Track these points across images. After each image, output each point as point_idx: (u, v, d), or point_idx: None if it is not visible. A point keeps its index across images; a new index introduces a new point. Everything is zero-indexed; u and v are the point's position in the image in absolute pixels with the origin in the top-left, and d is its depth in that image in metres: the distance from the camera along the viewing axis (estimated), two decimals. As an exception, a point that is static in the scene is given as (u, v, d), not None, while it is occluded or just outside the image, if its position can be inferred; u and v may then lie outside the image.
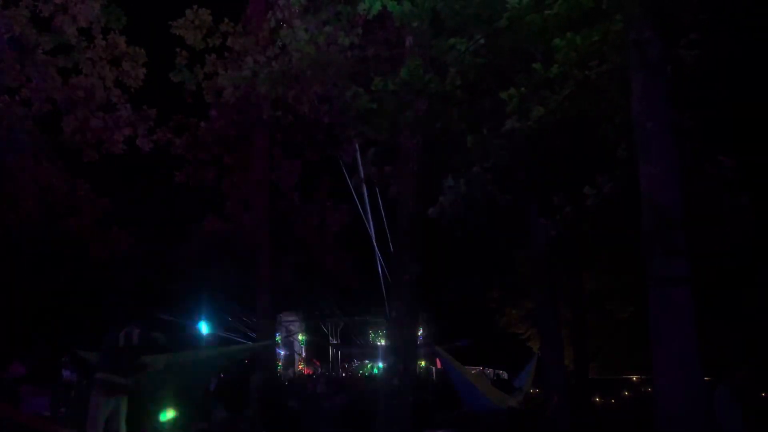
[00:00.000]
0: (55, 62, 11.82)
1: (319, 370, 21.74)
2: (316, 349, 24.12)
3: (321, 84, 9.61)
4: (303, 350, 23.56)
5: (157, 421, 7.69)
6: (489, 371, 21.01)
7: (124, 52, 12.32)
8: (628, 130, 6.11)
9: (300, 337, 23.16)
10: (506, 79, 7.18)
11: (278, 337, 18.49)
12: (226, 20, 12.57)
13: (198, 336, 16.11)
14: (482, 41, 6.85)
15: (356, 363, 25.30)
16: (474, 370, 17.20)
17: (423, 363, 17.36)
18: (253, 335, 14.09)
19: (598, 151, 7.67)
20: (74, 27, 11.48)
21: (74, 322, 16.33)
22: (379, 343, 23.20)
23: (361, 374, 22.21)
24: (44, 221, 13.97)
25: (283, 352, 22.20)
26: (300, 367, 22.62)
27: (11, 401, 9.11)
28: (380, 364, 17.81)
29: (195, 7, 12.35)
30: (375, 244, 12.14)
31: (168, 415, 7.72)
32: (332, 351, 24.87)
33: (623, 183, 6.89)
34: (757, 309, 14.35)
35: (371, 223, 12.22)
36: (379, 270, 12.04)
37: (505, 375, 19.54)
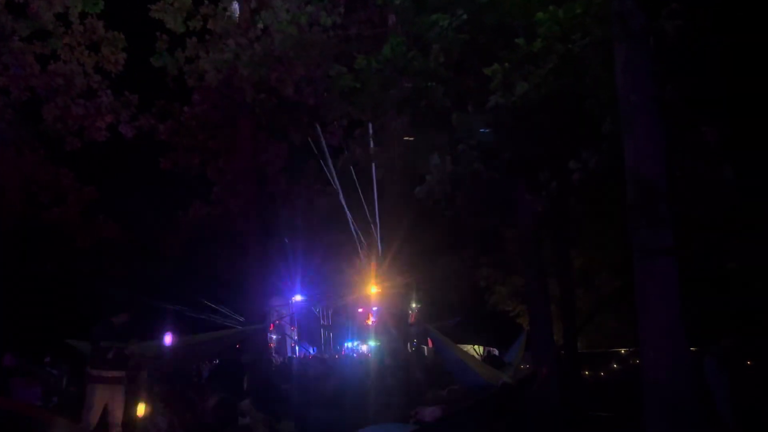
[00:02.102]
0: (32, 49, 11.62)
1: (311, 353, 21.81)
2: (308, 332, 24.20)
3: (304, 65, 9.53)
4: (294, 333, 23.60)
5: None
6: (479, 348, 21.17)
7: (103, 37, 12.15)
8: (612, 105, 6.11)
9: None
10: (490, 55, 7.15)
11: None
12: (206, 2, 12.39)
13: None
14: (465, 17, 6.83)
15: (349, 344, 25.40)
16: (465, 348, 17.31)
17: (414, 342, 17.46)
18: (243, 320, 14.09)
19: (583, 125, 7.67)
20: (50, 12, 11.28)
21: (63, 312, 16.22)
22: (370, 324, 23.27)
23: (353, 355, 22.31)
24: (29, 211, 13.81)
25: (274, 336, 22.24)
26: (292, 348, 22.68)
27: (2, 393, 9.08)
28: (372, 345, 17.91)
29: (174, -11, 12.17)
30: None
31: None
32: (324, 333, 24.97)
33: (608, 157, 6.91)
34: (742, 279, 14.51)
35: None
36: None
37: (495, 351, 19.68)
